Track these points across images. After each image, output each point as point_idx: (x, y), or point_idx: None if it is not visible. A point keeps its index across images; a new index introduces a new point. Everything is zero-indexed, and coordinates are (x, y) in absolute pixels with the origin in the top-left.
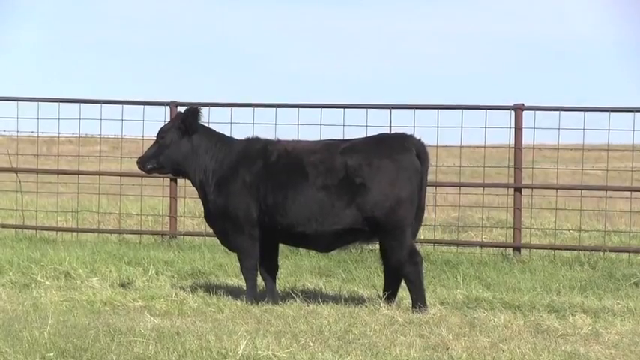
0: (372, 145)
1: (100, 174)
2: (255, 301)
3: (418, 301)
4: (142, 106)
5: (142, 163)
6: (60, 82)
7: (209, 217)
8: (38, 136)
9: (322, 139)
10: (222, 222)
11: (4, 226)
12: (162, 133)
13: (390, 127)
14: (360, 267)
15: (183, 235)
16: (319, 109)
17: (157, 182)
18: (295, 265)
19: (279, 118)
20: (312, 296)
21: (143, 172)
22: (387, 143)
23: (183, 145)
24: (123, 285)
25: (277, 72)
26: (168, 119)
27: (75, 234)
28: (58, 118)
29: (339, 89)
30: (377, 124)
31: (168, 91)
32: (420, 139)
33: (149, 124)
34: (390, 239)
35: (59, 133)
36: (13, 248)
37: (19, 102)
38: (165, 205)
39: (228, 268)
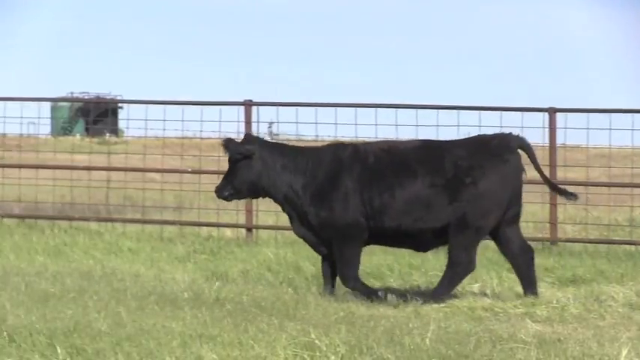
0: (480, 144)
1: None
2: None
3: (441, 294)
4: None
5: (219, 191)
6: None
7: (307, 228)
8: None
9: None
10: (326, 232)
11: None
12: (230, 158)
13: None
14: None
15: (564, 241)
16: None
17: (537, 189)
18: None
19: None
20: None
21: None
22: (493, 144)
23: (255, 165)
24: (503, 292)
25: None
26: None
27: None
28: (376, 124)
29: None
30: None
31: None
32: (521, 137)
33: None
34: (466, 238)
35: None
36: (394, 254)
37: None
38: (546, 212)
39: (609, 274)
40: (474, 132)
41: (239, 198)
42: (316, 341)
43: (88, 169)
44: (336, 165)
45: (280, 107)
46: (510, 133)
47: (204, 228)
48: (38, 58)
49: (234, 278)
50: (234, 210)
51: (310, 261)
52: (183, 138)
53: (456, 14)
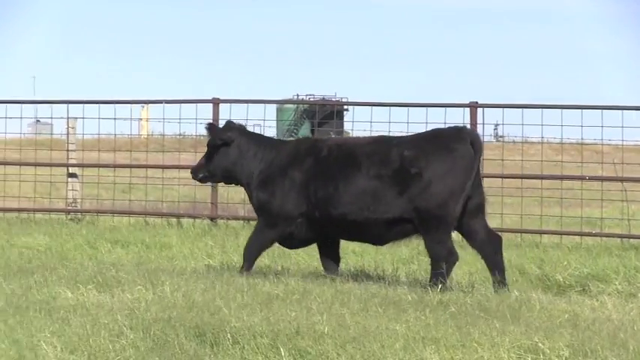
0: (428, 137)
1: None
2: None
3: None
4: None
5: (194, 172)
6: None
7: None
8: None
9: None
10: (259, 214)
11: (610, 236)
12: (210, 142)
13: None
14: None
15: None
16: None
17: None
18: None
19: None
20: None
21: None
22: (443, 135)
23: (231, 151)
24: None
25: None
26: None
27: None
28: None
29: None
30: None
31: None
32: (474, 130)
33: None
34: (434, 231)
35: None
36: (620, 257)
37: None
38: None
39: None
40: None
41: (213, 181)
42: (539, 344)
43: None
44: (291, 156)
45: (506, 109)
46: (464, 127)
47: None
48: (266, 61)
49: (458, 280)
50: None
51: (535, 263)
52: None
53: None
